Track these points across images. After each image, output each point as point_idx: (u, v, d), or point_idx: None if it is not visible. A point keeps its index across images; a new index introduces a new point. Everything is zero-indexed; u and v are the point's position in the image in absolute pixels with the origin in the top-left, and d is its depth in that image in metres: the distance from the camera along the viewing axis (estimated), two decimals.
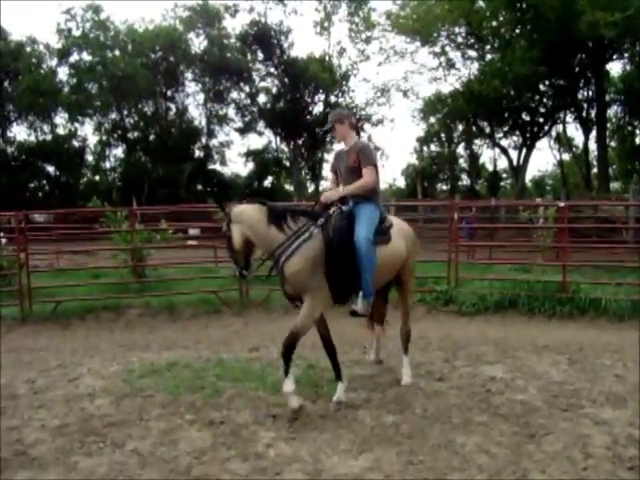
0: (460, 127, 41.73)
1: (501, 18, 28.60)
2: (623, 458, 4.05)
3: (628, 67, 31.95)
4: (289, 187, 45.93)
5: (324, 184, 43.09)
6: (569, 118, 35.32)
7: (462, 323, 8.95)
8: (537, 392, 5.45)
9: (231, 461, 3.98)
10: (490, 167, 46.47)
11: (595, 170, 36.27)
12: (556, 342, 7.61)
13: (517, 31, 27.70)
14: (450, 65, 33.23)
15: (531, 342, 7.63)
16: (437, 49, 32.71)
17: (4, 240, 17.38)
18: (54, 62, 41.33)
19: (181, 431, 4.51)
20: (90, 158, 44.54)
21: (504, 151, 37.98)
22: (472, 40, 31.28)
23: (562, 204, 11.05)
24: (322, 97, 41.54)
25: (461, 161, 47.50)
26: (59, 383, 5.92)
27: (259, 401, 5.14)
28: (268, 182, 46.49)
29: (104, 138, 43.53)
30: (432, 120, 40.62)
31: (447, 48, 32.58)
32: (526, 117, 33.74)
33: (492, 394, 5.39)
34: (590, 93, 32.00)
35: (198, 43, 42.02)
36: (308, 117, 41.24)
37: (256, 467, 3.88)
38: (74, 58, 40.86)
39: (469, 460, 4.01)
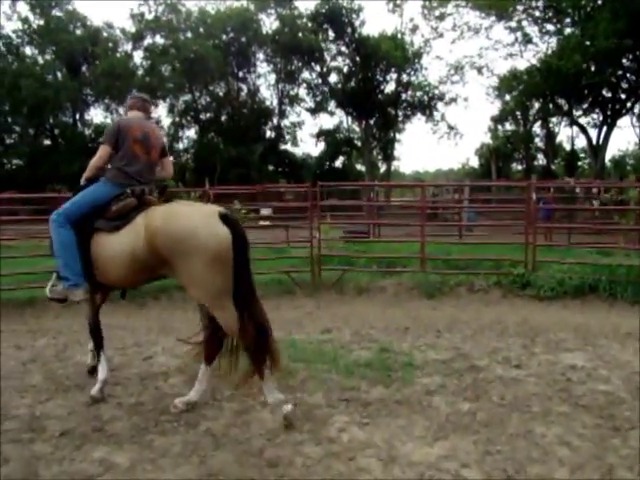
0: (536, 105, 40.46)
1: None
2: None
3: None
4: (360, 167, 45.75)
5: (396, 164, 42.81)
6: None
7: (540, 308, 8.69)
8: (621, 383, 5.21)
9: (304, 444, 3.94)
10: (567, 146, 45.08)
11: None
12: None
13: (599, 2, 26.42)
14: (527, 40, 32.11)
15: (613, 329, 7.33)
16: (513, 24, 31.71)
17: None
18: (129, 46, 42.44)
19: (254, 412, 4.51)
20: (164, 139, 45.48)
21: (583, 129, 36.56)
22: (550, 13, 30.11)
23: None
24: (394, 76, 41.04)
25: (537, 140, 46.27)
26: (134, 361, 6.02)
27: (331, 384, 5.09)
28: (339, 162, 46.44)
29: (177, 120, 44.39)
30: (507, 98, 39.46)
31: (524, 22, 31.51)
32: (607, 93, 32.35)
33: (573, 383, 5.18)
34: None
35: (269, 23, 42.35)
36: (380, 96, 40.88)
37: (329, 451, 3.84)
38: (148, 42, 41.83)
39: (549, 452, 3.86)
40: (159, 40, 41.77)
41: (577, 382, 5.21)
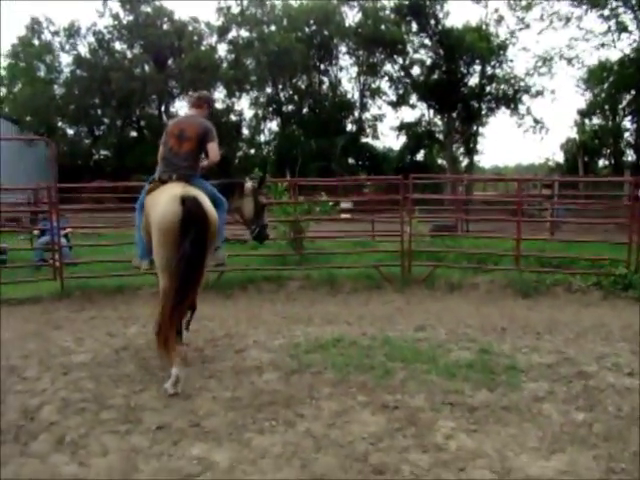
0: (627, 98, 38.66)
1: None
2: None
3: None
4: (441, 161, 44.98)
5: (477, 158, 41.93)
6: None
7: None
8: None
9: (410, 450, 3.74)
10: None
11: None
12: None
13: None
14: (621, 29, 30.55)
15: None
16: (606, 12, 30.26)
17: None
18: (214, 39, 43.09)
19: (354, 413, 4.33)
20: (246, 132, 46.03)
21: None
22: None
23: None
24: (478, 68, 40.00)
25: (626, 135, 44.20)
26: (226, 354, 5.95)
27: (433, 386, 4.86)
28: (420, 156, 45.75)
29: (259, 112, 44.80)
30: (596, 91, 37.83)
31: (619, 10, 30.02)
32: None
33: None
34: None
35: (352, 16, 42.03)
36: (463, 89, 39.93)
37: (438, 460, 3.62)
38: (232, 35, 42.34)
39: None
40: (244, 33, 42.28)
41: None
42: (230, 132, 43.52)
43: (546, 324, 7.30)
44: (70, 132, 44.56)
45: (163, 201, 4.99)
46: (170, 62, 43.15)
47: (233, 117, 44.75)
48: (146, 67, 42.09)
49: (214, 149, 5.67)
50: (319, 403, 4.53)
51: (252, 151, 45.63)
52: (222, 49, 43.36)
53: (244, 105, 47.76)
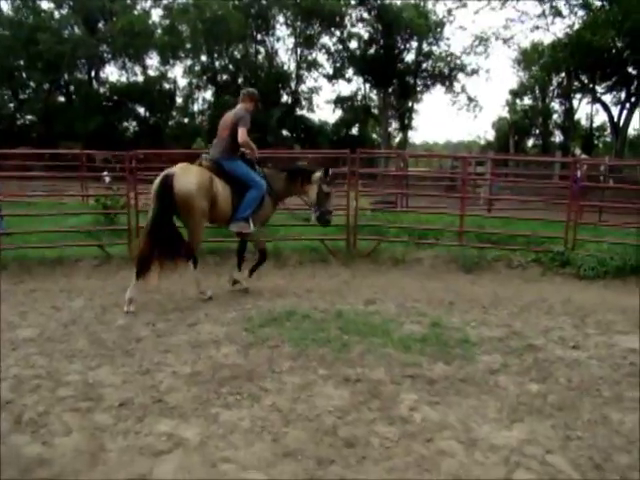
0: (555, 80, 39.83)
1: None
2: None
3: None
4: (376, 136, 45.27)
5: (411, 134, 42.38)
6: None
7: (581, 287, 8.46)
8: None
9: (376, 423, 3.79)
10: (585, 124, 44.44)
11: None
12: None
13: None
14: (556, 13, 31.31)
15: None
16: None
17: (108, 179, 17.78)
18: (148, 3, 41.67)
19: (317, 387, 4.35)
20: (180, 100, 45.00)
21: (605, 107, 36.01)
22: None
23: None
24: (415, 45, 40.31)
25: (555, 117, 45.58)
26: (180, 328, 5.86)
27: (390, 359, 4.92)
28: (356, 130, 45.87)
29: (194, 81, 43.81)
30: (533, 70, 38.76)
31: None
32: (633, 71, 31.70)
33: (638, 367, 5.01)
34: None
35: None
36: (400, 65, 40.22)
37: (405, 432, 3.68)
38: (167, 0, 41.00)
39: (633, 441, 3.70)
40: None
41: None
42: (163, 100, 42.51)
43: (490, 298, 7.50)
44: None
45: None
46: (101, 25, 41.51)
47: (167, 85, 43.66)
48: (76, 29, 40.21)
49: (240, 133, 6.85)
50: (281, 377, 4.53)
51: (185, 120, 44.60)
52: (156, 14, 42.09)
53: (178, 73, 46.77)
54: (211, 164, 6.95)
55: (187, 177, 6.48)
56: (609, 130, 39.18)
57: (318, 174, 7.41)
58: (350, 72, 42.96)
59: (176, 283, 8.17)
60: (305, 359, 4.89)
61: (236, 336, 5.52)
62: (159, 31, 40.86)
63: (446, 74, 40.63)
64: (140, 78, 43.07)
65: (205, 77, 43.83)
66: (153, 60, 42.89)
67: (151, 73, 43.07)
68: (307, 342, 5.30)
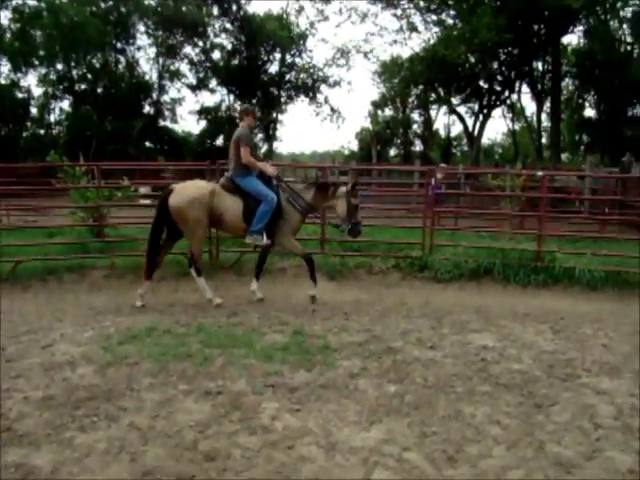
0: (415, 92, 41.58)
1: None
2: (632, 428, 4.01)
3: (582, 41, 32.49)
4: None
5: (276, 145, 42.70)
6: (524, 88, 35.54)
7: (438, 290, 8.87)
8: (532, 362, 5.40)
9: (238, 434, 3.76)
10: (443, 134, 46.77)
11: (544, 140, 36.99)
12: (535, 311, 7.64)
13: None
14: (412, 28, 32.75)
15: (511, 310, 7.63)
16: (399, 12, 32.23)
17: None
18: None
19: (177, 402, 4.25)
20: (34, 111, 42.66)
21: (460, 118, 38.09)
22: (435, 5, 30.82)
23: (540, 173, 11.02)
24: (278, 56, 40.63)
25: (415, 127, 47.58)
26: (32, 350, 5.53)
27: (252, 369, 4.91)
28: (220, 141, 45.50)
29: (49, 90, 41.71)
30: (393, 82, 40.25)
31: (410, 11, 32.12)
32: (484, 84, 33.76)
33: (489, 363, 5.31)
34: (545, 65, 32.32)
35: None
36: (263, 76, 40.37)
37: (266, 441, 3.67)
38: (17, 1, 38.64)
39: (482, 431, 3.91)
40: (30, 1, 38.75)
41: (492, 362, 5.35)
42: (16, 110, 40.09)
43: (352, 305, 7.68)
44: None
45: None
46: None
47: (19, 94, 41.23)
48: None
49: (242, 153, 7.36)
50: (140, 395, 4.39)
51: (41, 131, 42.34)
52: (5, 17, 39.52)
53: (32, 81, 44.39)
54: (226, 181, 7.63)
55: (182, 192, 7.30)
56: (465, 139, 41.41)
57: (344, 188, 7.66)
58: (214, 82, 42.54)
59: (29, 302, 7.79)
60: (165, 375, 4.76)
61: (93, 355, 5.29)
62: (8, 36, 38.49)
63: (309, 85, 41.23)
64: None
65: (62, 86, 41.83)
66: (4, 67, 40.36)
67: (2, 81, 40.56)
68: (168, 358, 5.17)
